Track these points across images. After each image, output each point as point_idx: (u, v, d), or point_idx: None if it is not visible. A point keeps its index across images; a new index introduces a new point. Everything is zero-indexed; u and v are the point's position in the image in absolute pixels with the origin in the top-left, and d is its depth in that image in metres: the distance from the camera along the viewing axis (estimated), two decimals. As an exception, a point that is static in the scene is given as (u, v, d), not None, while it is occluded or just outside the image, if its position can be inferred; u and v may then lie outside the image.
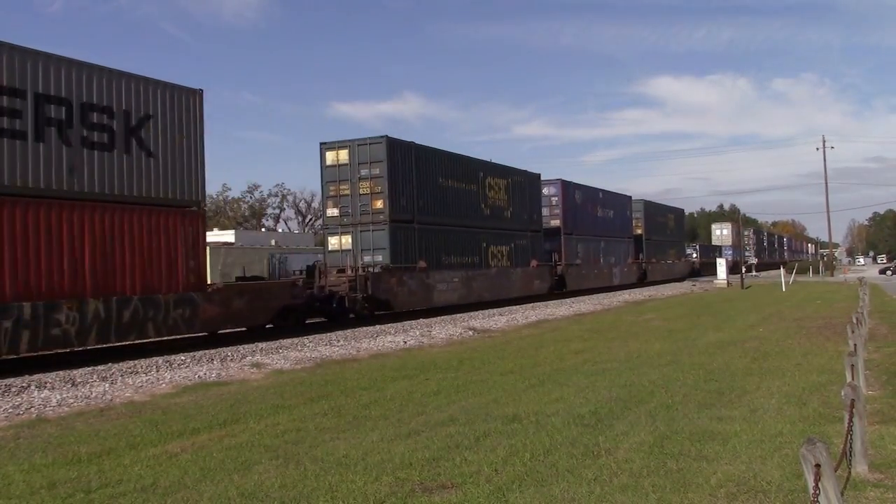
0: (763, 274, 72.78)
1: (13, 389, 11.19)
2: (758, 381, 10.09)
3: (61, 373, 12.70)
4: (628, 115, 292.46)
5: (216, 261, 38.80)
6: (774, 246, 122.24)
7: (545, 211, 36.72)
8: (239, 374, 13.02)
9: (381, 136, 24.38)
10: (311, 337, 18.44)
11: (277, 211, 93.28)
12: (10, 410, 9.75)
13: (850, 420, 5.24)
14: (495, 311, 26.95)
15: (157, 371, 13.17)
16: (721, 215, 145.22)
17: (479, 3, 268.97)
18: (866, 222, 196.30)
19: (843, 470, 5.43)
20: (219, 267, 35.75)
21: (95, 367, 13.33)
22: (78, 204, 14.38)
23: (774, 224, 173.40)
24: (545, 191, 36.86)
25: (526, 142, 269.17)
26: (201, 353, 15.27)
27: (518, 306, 29.40)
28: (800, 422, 7.53)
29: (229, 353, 15.18)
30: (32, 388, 11.39)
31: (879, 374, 10.45)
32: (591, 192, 41.99)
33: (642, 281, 49.42)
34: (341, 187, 24.69)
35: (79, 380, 12.07)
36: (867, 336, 13.69)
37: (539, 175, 35.75)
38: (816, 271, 70.57)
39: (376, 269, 23.47)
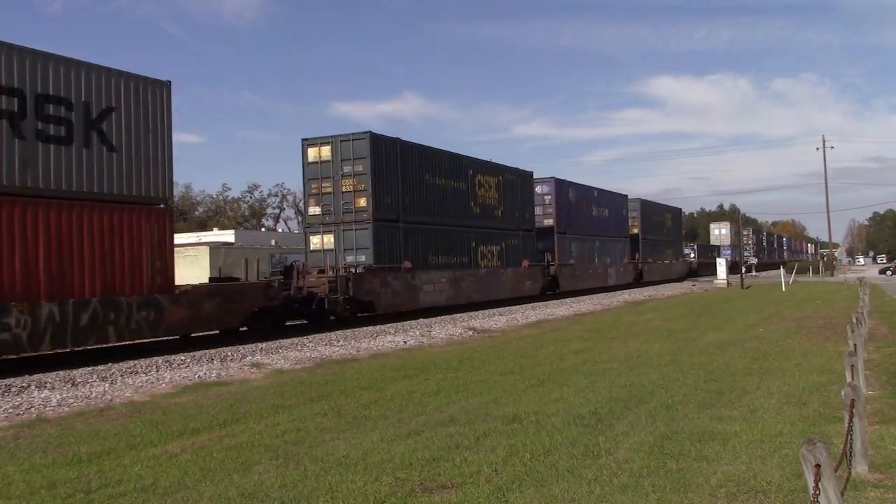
0: (763, 274, 72.79)
1: (13, 389, 11.19)
2: (758, 381, 10.09)
3: (61, 373, 12.70)
4: (628, 115, 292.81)
5: (216, 261, 38.81)
6: (774, 246, 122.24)
7: (538, 210, 35.98)
8: (239, 374, 13.02)
9: (365, 132, 23.65)
10: (310, 337, 18.44)
11: (277, 211, 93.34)
12: (10, 410, 9.75)
13: (850, 420, 5.24)
14: (495, 311, 26.92)
15: (157, 371, 13.16)
16: (721, 215, 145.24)
17: (479, 3, 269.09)
18: (866, 222, 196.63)
19: (843, 470, 5.43)
20: (219, 267, 35.71)
21: (95, 367, 13.33)
22: (32, 201, 13.59)
23: (774, 224, 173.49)
24: (538, 189, 36.12)
25: (526, 142, 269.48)
26: (201, 353, 15.26)
27: (518, 306, 29.35)
28: (800, 422, 7.54)
29: (229, 353, 15.18)
30: (32, 388, 11.39)
31: (879, 374, 10.45)
32: (585, 191, 41.25)
33: (638, 281, 48.80)
34: (323, 185, 23.95)
35: (79, 380, 12.07)
36: (867, 336, 13.69)
37: (531, 173, 35.01)
38: (816, 271, 70.58)
39: (358, 270, 22.76)
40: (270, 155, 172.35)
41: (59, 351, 14.66)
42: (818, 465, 3.46)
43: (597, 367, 12.16)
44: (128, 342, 15.72)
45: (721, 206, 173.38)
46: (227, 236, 54.68)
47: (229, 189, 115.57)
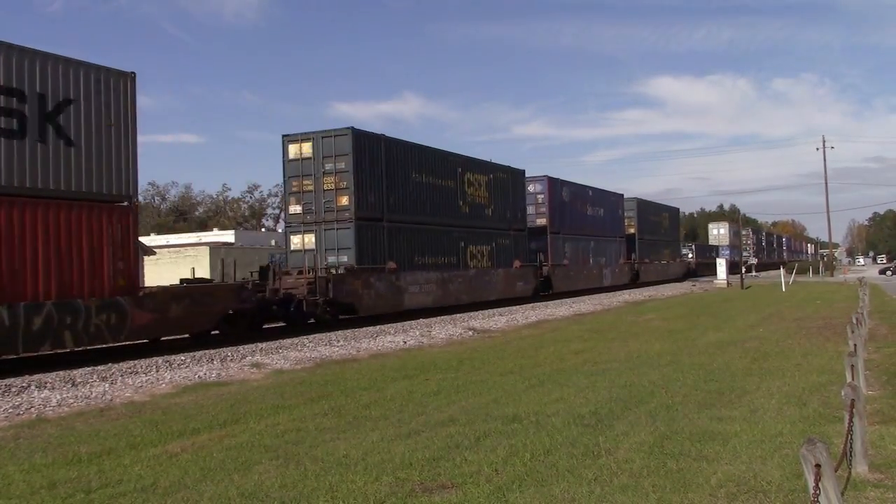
0: (763, 274, 72.76)
1: (13, 389, 11.19)
2: (758, 382, 10.09)
3: (61, 373, 12.69)
4: (629, 115, 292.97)
5: (216, 261, 38.83)
6: (774, 246, 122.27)
7: (530, 209, 35.14)
8: (239, 374, 13.02)
9: (347, 128, 22.93)
10: (310, 337, 18.44)
11: (277, 211, 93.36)
12: (10, 410, 9.75)
13: (851, 420, 5.24)
14: (495, 311, 26.90)
15: (157, 371, 13.16)
16: (721, 215, 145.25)
17: (479, 3, 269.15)
18: (866, 222, 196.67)
19: (844, 470, 5.43)
20: (219, 267, 35.74)
21: (95, 367, 13.33)
22: None
23: (774, 224, 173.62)
24: (530, 188, 35.32)
25: (526, 142, 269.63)
26: (201, 353, 15.26)
27: (518, 307, 29.31)
28: (800, 422, 7.54)
29: (229, 353, 15.18)
30: (32, 388, 11.39)
31: (879, 374, 10.45)
32: (579, 190, 40.33)
33: (634, 282, 48.03)
34: (304, 183, 23.12)
35: (79, 380, 12.06)
36: (867, 336, 13.69)
37: (523, 171, 34.21)
38: (816, 271, 70.58)
39: (339, 271, 22.01)
40: (270, 155, 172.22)
41: (58, 351, 14.67)
42: (818, 465, 3.46)
43: (597, 368, 12.16)
44: (87, 347, 14.91)
45: (721, 207, 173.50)
46: (228, 236, 54.75)
47: (229, 189, 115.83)
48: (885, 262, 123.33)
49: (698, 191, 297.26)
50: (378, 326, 21.14)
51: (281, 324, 21.33)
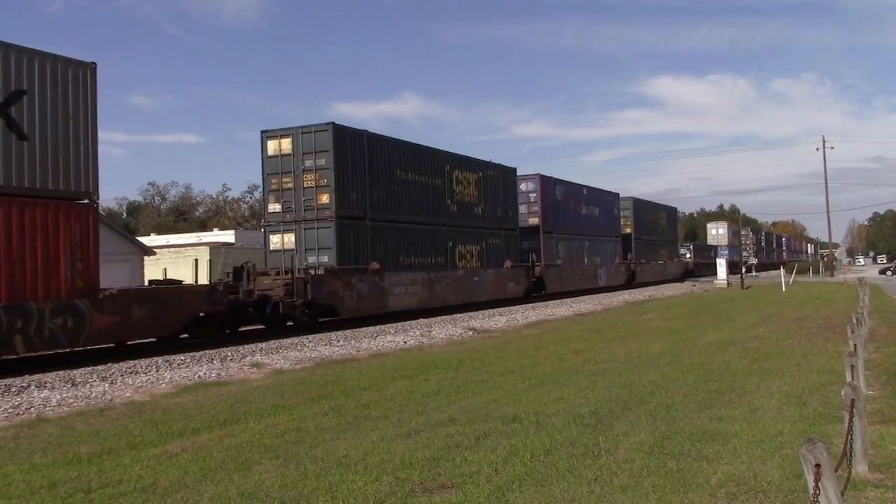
0: (763, 274, 72.77)
1: (13, 389, 11.18)
2: (758, 382, 10.09)
3: (61, 373, 12.69)
4: (629, 115, 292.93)
5: (216, 261, 38.83)
6: (774, 246, 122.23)
7: (523, 208, 34.25)
8: (239, 373, 13.02)
9: (328, 124, 22.00)
10: (310, 337, 18.44)
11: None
12: (10, 410, 9.75)
13: (851, 420, 5.24)
14: (495, 311, 26.89)
15: (157, 371, 13.16)
16: (721, 215, 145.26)
17: (479, 3, 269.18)
18: (866, 222, 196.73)
19: (844, 470, 5.43)
20: (219, 267, 35.75)
21: (95, 367, 13.32)
22: None
23: (774, 224, 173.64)
24: (522, 186, 34.46)
25: (526, 142, 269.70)
26: (201, 353, 15.26)
27: (518, 307, 29.29)
28: (800, 422, 7.54)
29: (229, 353, 15.18)
30: (32, 388, 11.38)
31: (879, 374, 10.45)
32: (573, 189, 39.43)
33: (631, 282, 47.28)
34: (284, 180, 22.20)
35: (79, 380, 12.06)
36: (867, 336, 13.69)
37: (515, 169, 33.36)
38: (816, 271, 70.59)
39: (319, 271, 21.15)
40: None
41: (59, 351, 14.67)
42: (818, 465, 3.46)
43: (597, 367, 12.16)
44: (41, 352, 14.23)
45: (721, 207, 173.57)
46: (228, 236, 54.73)
47: (229, 189, 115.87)
48: (885, 262, 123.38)
49: (698, 191, 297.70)
50: (378, 326, 21.14)
51: (260, 326, 20.63)
